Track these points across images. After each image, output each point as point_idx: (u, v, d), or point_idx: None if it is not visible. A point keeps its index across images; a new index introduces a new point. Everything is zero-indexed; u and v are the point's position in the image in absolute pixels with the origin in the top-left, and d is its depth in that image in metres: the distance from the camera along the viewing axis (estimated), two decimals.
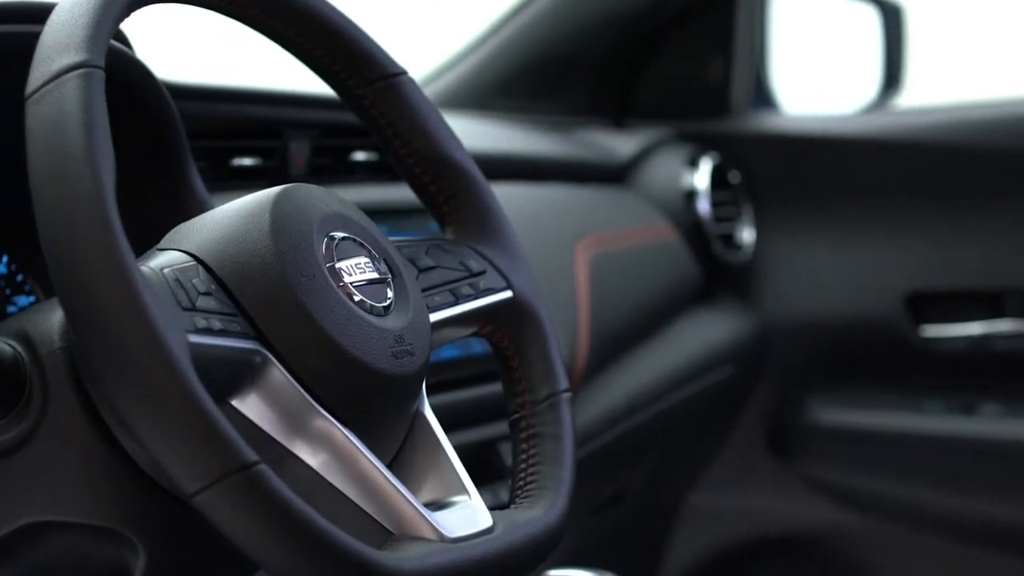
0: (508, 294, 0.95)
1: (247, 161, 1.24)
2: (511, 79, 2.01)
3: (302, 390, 0.80)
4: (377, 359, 0.82)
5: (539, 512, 0.88)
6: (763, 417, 2.02)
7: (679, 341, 1.82)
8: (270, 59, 1.06)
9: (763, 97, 2.09)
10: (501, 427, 1.11)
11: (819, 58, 2.26)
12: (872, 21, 2.11)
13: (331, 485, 0.80)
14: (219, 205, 0.86)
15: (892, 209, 1.93)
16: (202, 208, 1.00)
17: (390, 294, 0.86)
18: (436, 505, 0.86)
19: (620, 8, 2.01)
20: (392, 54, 0.95)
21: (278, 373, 0.79)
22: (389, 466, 0.84)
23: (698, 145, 1.98)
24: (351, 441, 0.80)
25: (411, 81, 0.95)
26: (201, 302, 0.78)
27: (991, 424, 1.91)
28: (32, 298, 1.03)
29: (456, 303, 0.93)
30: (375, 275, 0.85)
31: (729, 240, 1.96)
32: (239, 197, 0.85)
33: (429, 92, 1.71)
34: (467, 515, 0.85)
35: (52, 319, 0.82)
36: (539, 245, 1.48)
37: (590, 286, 1.59)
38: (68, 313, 0.72)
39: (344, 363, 0.80)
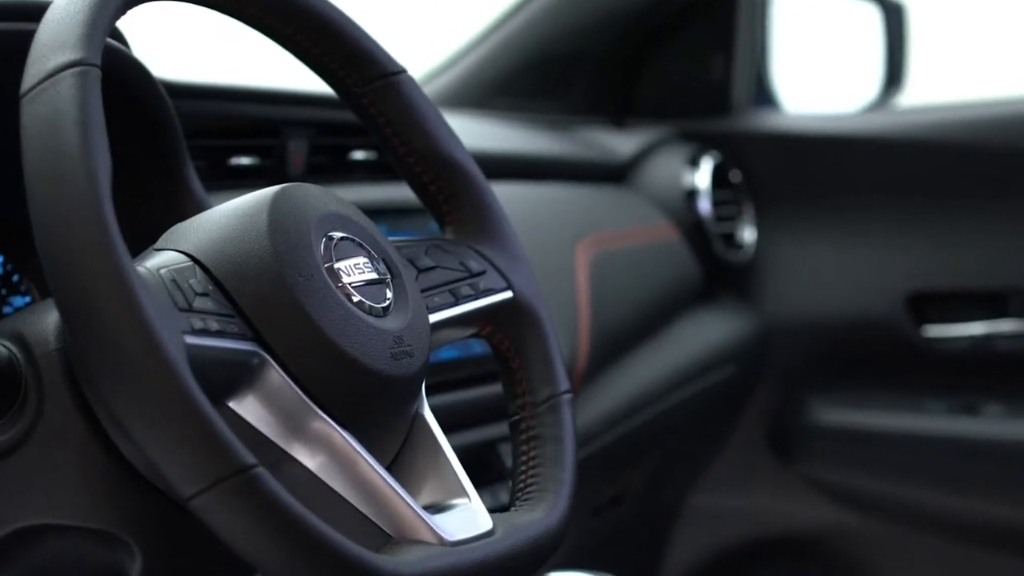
0: (508, 295, 0.95)
1: (245, 160, 1.24)
2: (511, 78, 2.00)
3: (300, 392, 0.79)
4: (376, 360, 0.81)
5: (540, 514, 0.87)
6: (764, 417, 2.01)
7: (680, 341, 1.81)
8: (268, 57, 1.05)
9: (764, 96, 2.08)
10: (501, 428, 1.10)
11: (820, 57, 2.25)
12: (874, 19, 2.11)
13: (329, 488, 0.79)
14: (217, 205, 0.85)
15: (894, 208, 1.93)
16: (199, 208, 1.00)
17: (389, 294, 0.85)
18: (436, 508, 0.85)
19: (620, 6, 2.00)
20: (391, 52, 0.94)
21: (276, 375, 0.79)
22: (388, 468, 0.83)
23: (699, 144, 1.98)
24: (349, 443, 0.80)
25: (410, 80, 0.95)
26: (198, 303, 0.77)
27: (993, 425, 1.91)
28: (28, 299, 1.03)
29: (456, 304, 0.92)
30: (374, 275, 0.85)
31: (730, 239, 1.96)
32: (237, 197, 0.84)
33: (429, 91, 1.70)
34: (467, 518, 0.84)
35: (48, 320, 0.82)
36: (539, 245, 1.48)
37: (590, 286, 1.59)
38: (64, 314, 0.72)
39: (343, 364, 0.80)
